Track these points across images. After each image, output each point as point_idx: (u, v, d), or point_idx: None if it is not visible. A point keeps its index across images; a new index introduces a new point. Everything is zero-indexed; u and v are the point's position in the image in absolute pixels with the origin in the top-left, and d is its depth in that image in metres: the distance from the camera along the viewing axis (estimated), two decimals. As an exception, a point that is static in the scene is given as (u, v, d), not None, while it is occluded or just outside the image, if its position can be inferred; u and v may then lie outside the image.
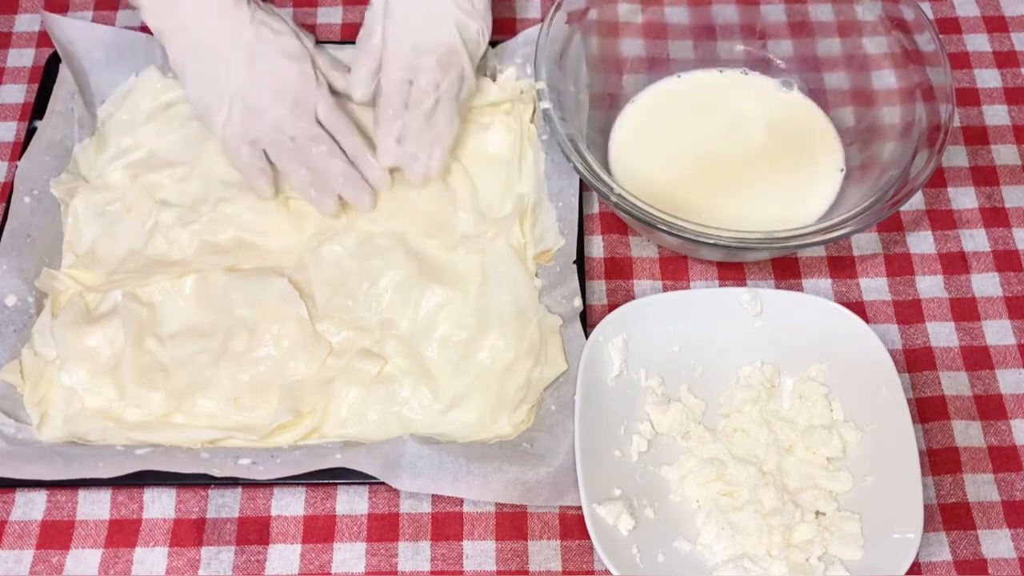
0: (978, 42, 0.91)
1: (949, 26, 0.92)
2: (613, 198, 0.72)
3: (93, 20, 0.91)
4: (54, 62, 0.84)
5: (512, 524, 0.69)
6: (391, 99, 0.78)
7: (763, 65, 0.86)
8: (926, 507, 0.64)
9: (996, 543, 0.69)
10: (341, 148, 0.78)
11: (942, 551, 0.69)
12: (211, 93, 0.77)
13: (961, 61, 0.89)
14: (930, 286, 0.79)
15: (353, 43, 0.86)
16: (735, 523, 0.67)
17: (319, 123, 0.78)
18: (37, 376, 0.72)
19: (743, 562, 0.65)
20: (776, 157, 0.81)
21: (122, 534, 0.69)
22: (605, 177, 0.73)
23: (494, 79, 0.85)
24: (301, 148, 0.77)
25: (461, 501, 0.70)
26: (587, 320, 0.74)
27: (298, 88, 0.77)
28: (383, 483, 0.68)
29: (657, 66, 0.86)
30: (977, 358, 0.76)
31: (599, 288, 0.78)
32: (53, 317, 0.74)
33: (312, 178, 0.77)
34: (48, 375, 0.73)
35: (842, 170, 0.81)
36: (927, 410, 0.74)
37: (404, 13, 0.77)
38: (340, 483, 0.70)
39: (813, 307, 0.72)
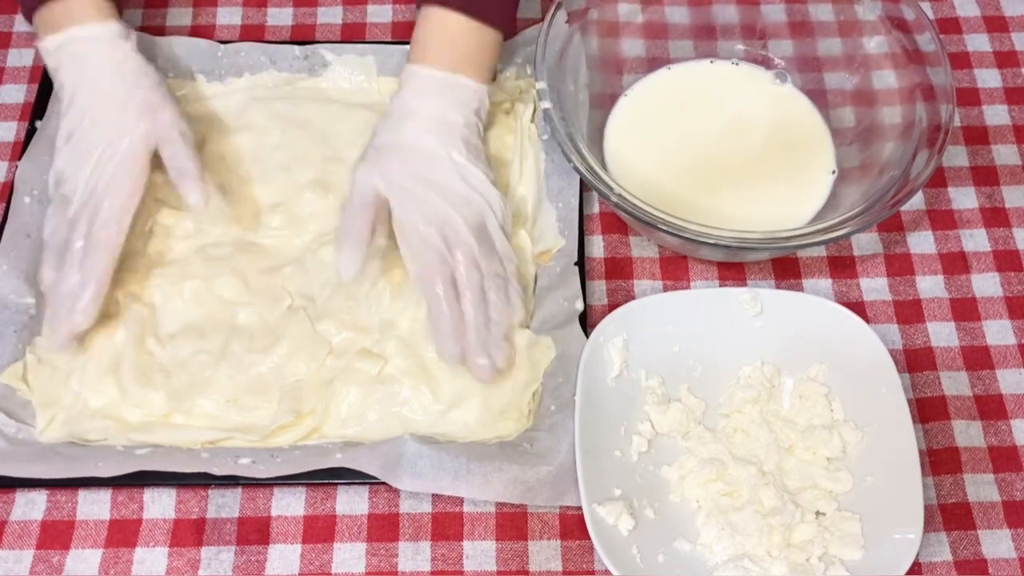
0: (978, 42, 0.91)
1: (949, 26, 0.92)
2: (613, 198, 0.72)
3: (93, 20, 0.91)
4: (54, 62, 0.84)
5: (512, 524, 0.69)
6: (436, 285, 0.70)
7: (763, 64, 0.86)
8: (926, 507, 0.64)
9: (996, 543, 0.69)
10: None
11: (942, 551, 0.69)
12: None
13: (961, 61, 0.89)
14: (930, 286, 0.79)
15: (353, 43, 0.87)
16: (735, 523, 0.67)
17: None
18: (44, 381, 0.72)
19: (743, 562, 0.65)
20: (772, 155, 0.82)
21: (122, 534, 0.69)
22: (605, 177, 0.73)
23: (494, 79, 0.85)
24: None
25: (461, 501, 0.70)
26: (587, 320, 0.74)
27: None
28: (383, 483, 0.68)
29: (657, 66, 0.86)
30: (977, 358, 0.76)
31: (599, 288, 0.78)
32: None
33: None
34: (56, 379, 0.73)
35: (834, 172, 0.81)
36: (927, 410, 0.74)
37: (410, 192, 0.71)
38: (340, 483, 0.70)
39: (813, 307, 0.72)
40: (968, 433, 0.73)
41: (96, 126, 0.72)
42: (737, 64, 0.86)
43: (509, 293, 0.72)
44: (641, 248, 0.80)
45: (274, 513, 0.70)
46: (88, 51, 0.73)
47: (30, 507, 0.70)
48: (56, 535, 0.69)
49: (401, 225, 0.71)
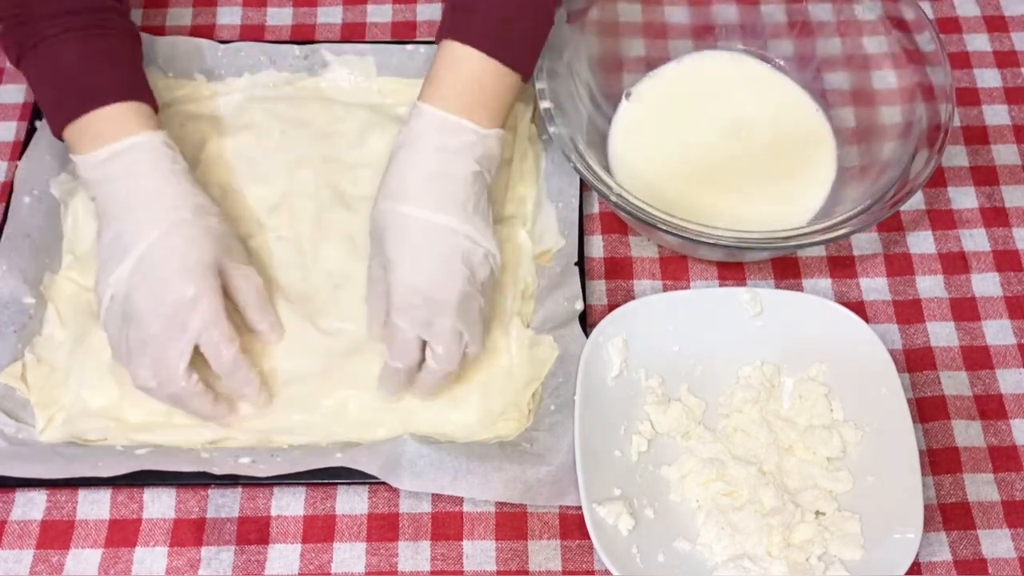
0: (978, 42, 0.91)
1: (949, 26, 0.92)
2: (613, 198, 0.72)
3: (93, 20, 0.91)
4: (54, 62, 0.84)
5: (512, 524, 0.69)
6: (400, 356, 0.69)
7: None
8: (926, 507, 0.65)
9: (996, 543, 0.69)
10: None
11: (942, 551, 0.69)
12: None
13: (961, 61, 0.89)
14: (930, 286, 0.79)
15: (353, 43, 0.87)
16: (735, 523, 0.67)
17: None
18: (43, 381, 0.72)
19: (743, 562, 0.65)
20: (772, 155, 0.82)
21: (122, 534, 0.69)
22: (605, 177, 0.73)
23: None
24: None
25: (461, 501, 0.70)
26: (587, 320, 0.74)
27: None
28: (383, 483, 0.68)
29: (657, 66, 0.86)
30: (977, 358, 0.76)
31: (599, 288, 0.78)
32: (59, 320, 0.75)
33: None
34: (55, 379, 0.73)
35: (835, 167, 0.81)
36: (927, 410, 0.74)
37: (403, 259, 0.69)
38: (340, 483, 0.70)
39: (813, 307, 0.72)
40: (968, 433, 0.73)
41: (168, 237, 0.68)
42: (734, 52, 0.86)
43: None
44: (641, 248, 0.80)
45: (274, 513, 0.70)
46: (140, 160, 0.70)
47: (30, 507, 0.70)
48: (56, 535, 0.69)
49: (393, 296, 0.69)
